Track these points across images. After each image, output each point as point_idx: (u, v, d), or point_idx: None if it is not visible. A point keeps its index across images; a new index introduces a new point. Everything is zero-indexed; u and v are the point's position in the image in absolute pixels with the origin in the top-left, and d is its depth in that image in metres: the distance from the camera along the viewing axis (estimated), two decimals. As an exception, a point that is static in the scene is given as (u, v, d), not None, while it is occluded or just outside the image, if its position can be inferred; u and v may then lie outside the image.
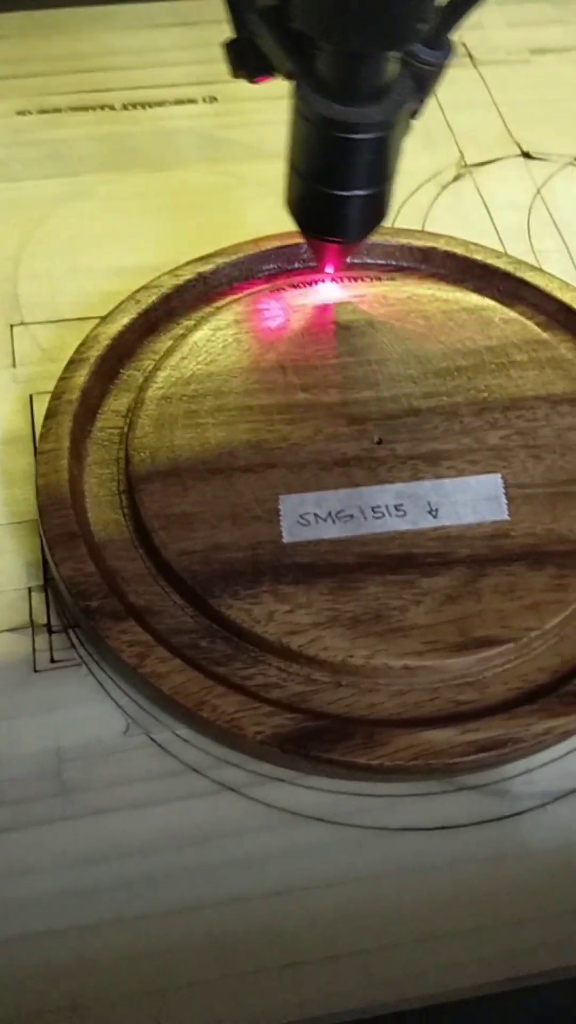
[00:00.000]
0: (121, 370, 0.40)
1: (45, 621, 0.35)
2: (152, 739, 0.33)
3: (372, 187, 0.36)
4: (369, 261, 0.44)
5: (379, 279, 0.43)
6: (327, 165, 0.35)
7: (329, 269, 0.42)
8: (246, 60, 0.37)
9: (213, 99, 0.54)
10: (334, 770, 0.31)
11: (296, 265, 0.44)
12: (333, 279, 0.43)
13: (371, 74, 0.33)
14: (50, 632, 0.35)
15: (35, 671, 0.34)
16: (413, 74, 0.34)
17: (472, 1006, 0.30)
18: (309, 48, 0.33)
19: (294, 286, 0.42)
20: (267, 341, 0.40)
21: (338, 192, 0.35)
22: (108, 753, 0.33)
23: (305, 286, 0.43)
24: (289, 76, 0.34)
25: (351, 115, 0.33)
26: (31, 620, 0.35)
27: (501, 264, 0.44)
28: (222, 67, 0.37)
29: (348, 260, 0.42)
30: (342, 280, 0.43)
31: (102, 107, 0.54)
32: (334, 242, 0.38)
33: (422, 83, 0.34)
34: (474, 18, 0.33)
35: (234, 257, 0.43)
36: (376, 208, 0.37)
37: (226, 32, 0.36)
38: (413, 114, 0.35)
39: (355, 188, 0.35)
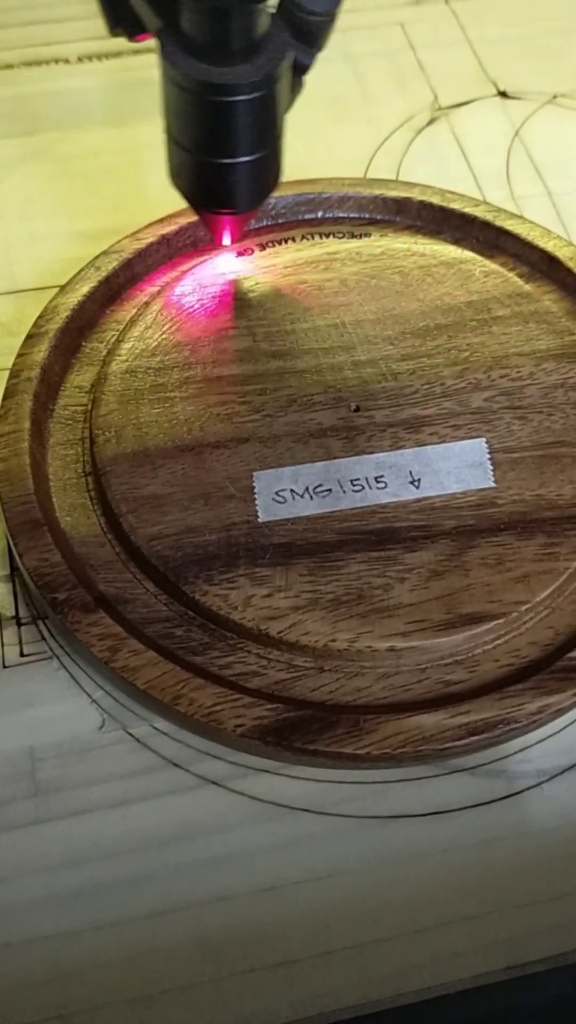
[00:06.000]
0: (83, 343, 0.38)
1: (13, 613, 0.34)
2: (129, 733, 0.32)
3: (259, 151, 0.33)
4: (341, 215, 0.42)
5: (352, 234, 0.41)
6: (207, 133, 0.32)
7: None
8: (123, 14, 0.33)
9: (172, 47, 0.51)
10: (319, 760, 0.30)
11: (265, 222, 0.42)
12: (305, 236, 0.41)
13: (240, 28, 0.30)
14: (19, 624, 0.34)
15: (4, 667, 0.33)
16: (295, 26, 0.31)
17: (472, 997, 0.29)
18: (174, 2, 0.30)
19: (263, 245, 0.40)
20: (235, 306, 0.38)
21: (223, 160, 0.32)
22: (84, 750, 0.31)
23: (276, 244, 0.40)
24: (158, 34, 0.31)
25: (224, 75, 0.30)
26: (-2, 612, 0.34)
27: (479, 213, 0.41)
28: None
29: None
30: (313, 237, 0.41)
31: (56, 61, 0.51)
32: (226, 214, 0.35)
33: (310, 36, 0.31)
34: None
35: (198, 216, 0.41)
36: (268, 171, 0.34)
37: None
38: (304, 70, 0.32)
39: (241, 155, 0.32)
